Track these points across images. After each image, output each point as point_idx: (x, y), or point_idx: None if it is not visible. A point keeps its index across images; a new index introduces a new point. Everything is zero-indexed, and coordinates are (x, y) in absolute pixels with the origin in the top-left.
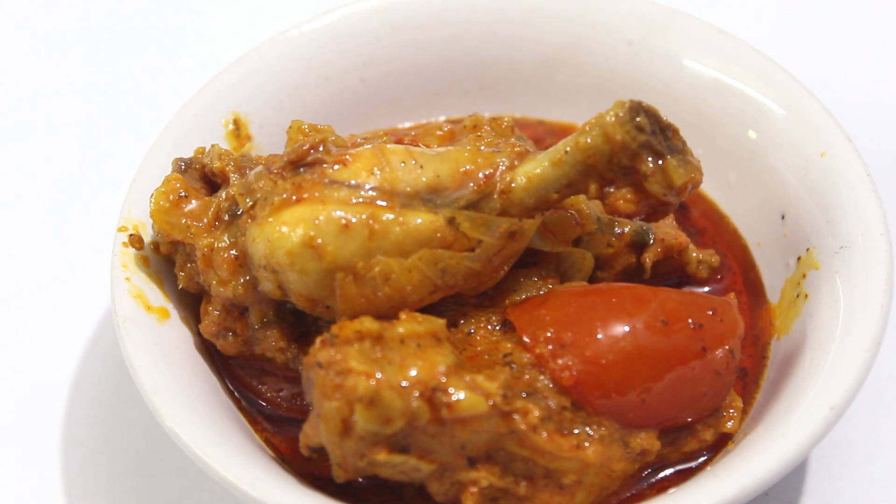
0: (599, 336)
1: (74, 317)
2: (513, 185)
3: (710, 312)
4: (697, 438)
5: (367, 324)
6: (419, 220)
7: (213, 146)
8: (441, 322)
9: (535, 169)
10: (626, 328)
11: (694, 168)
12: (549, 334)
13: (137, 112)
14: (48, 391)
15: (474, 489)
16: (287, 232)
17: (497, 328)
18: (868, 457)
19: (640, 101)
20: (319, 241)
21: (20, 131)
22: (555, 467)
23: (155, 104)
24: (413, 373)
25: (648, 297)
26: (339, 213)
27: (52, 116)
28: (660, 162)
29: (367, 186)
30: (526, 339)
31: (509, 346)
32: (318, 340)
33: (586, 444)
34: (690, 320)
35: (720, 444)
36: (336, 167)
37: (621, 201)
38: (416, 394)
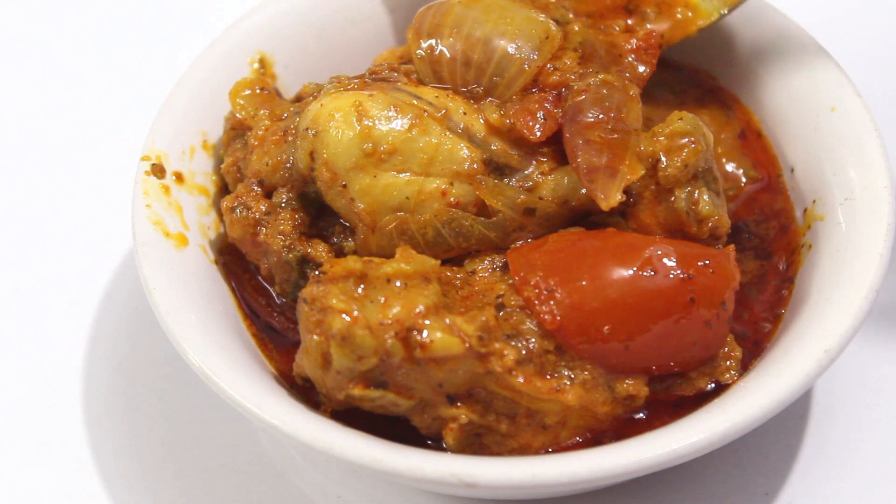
0: (584, 283)
1: (98, 251)
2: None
3: (702, 263)
4: (692, 385)
5: (352, 263)
6: (461, 146)
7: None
8: (434, 262)
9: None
10: (613, 276)
11: (722, 211)
12: (537, 278)
13: (172, 50)
14: (73, 323)
15: (454, 425)
16: (341, 101)
17: (497, 269)
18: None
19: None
20: (365, 107)
21: (51, 66)
22: (536, 408)
23: (185, 42)
24: (393, 312)
25: (640, 247)
26: (393, 98)
27: (87, 52)
28: (696, 193)
29: (428, 100)
30: (516, 281)
31: (503, 287)
32: (311, 276)
33: (566, 386)
34: (680, 271)
35: (719, 388)
36: (406, 84)
37: (649, 217)
38: (392, 333)
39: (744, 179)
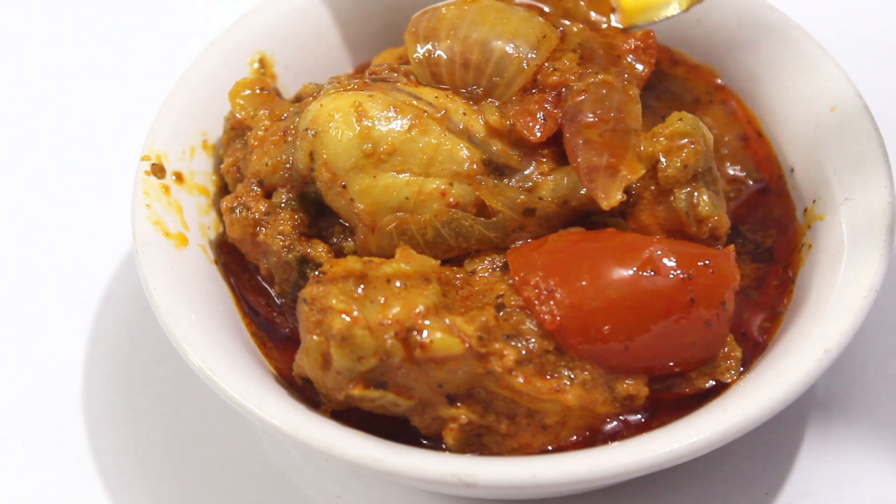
0: (584, 283)
1: (98, 251)
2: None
3: (702, 263)
4: (692, 385)
5: (352, 263)
6: (461, 146)
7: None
8: (434, 262)
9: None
10: (612, 276)
11: (721, 212)
12: (537, 278)
13: (172, 50)
14: (73, 323)
15: (454, 425)
16: (341, 101)
17: (497, 269)
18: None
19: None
20: (365, 108)
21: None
22: (536, 408)
23: (185, 42)
24: (393, 312)
25: (640, 247)
26: (392, 98)
27: (87, 52)
28: (695, 194)
29: (427, 101)
30: (516, 281)
31: (503, 287)
32: (311, 276)
33: (566, 386)
34: (680, 271)
35: (719, 388)
36: (406, 84)
37: (649, 217)
38: (392, 333)
39: (750, 182)
